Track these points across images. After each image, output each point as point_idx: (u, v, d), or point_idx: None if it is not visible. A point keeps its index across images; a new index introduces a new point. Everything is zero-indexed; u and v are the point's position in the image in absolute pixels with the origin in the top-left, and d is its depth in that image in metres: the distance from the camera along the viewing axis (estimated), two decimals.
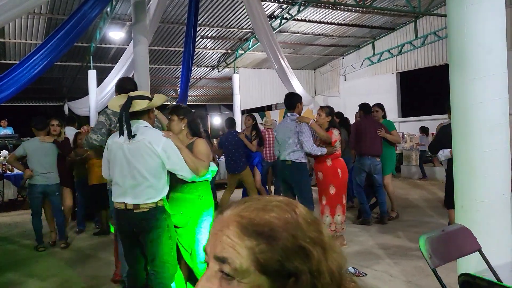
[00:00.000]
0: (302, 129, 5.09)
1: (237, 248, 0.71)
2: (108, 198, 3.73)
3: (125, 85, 3.98)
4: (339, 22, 13.43)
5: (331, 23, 13.45)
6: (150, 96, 3.32)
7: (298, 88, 11.41)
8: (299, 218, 0.75)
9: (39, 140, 5.82)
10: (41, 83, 13.80)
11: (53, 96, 18.23)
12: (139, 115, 3.24)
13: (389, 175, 6.89)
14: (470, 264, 2.59)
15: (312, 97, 15.15)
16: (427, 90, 15.28)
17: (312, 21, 13.13)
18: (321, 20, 13.15)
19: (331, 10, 12.43)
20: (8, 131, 12.20)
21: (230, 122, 7.79)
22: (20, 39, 11.50)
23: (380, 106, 7.04)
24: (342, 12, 12.65)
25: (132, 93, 3.32)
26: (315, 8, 12.15)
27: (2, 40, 11.43)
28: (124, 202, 3.14)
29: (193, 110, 3.56)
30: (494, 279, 2.18)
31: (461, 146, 2.94)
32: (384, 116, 7.03)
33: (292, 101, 5.36)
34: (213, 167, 3.42)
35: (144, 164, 3.11)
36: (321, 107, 5.71)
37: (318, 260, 0.72)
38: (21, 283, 4.64)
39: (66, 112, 17.21)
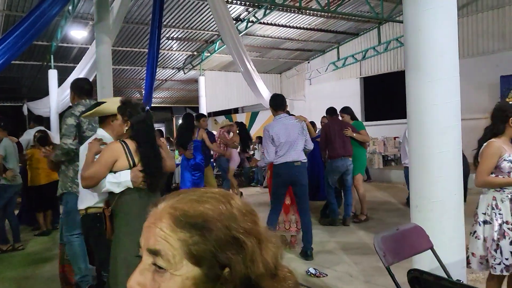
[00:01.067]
0: (304, 127, 5.10)
1: (170, 241, 0.71)
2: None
3: (83, 85, 3.98)
4: (304, 26, 13.60)
5: (296, 27, 13.59)
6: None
7: (264, 92, 11.47)
8: (233, 209, 0.75)
9: (9, 140, 5.78)
10: None
11: (12, 96, 17.58)
12: (100, 122, 3.22)
13: (359, 175, 6.94)
14: (424, 262, 2.65)
15: None
16: (389, 95, 15.62)
17: (278, 25, 13.23)
18: (287, 24, 13.27)
19: (296, 15, 12.56)
20: None
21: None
22: None
23: (345, 110, 7.15)
24: (308, 16, 12.81)
25: (101, 100, 3.29)
26: (281, 12, 12.26)
27: None
28: None
29: (146, 109, 3.00)
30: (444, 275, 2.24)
31: (416, 147, 3.01)
32: (354, 118, 7.14)
33: (284, 101, 5.28)
34: (116, 178, 2.77)
35: (80, 169, 3.11)
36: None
37: (252, 251, 0.73)
38: None
39: (25, 112, 16.64)
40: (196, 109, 17.45)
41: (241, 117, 16.74)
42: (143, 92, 15.19)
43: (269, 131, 4.99)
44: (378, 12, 11.63)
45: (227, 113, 18.15)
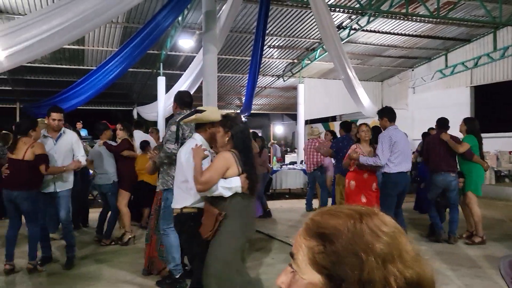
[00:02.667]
0: None
1: (302, 247, 0.80)
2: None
3: (185, 98, 4.43)
4: (410, 33, 13.01)
5: (401, 34, 13.06)
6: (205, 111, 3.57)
7: (365, 100, 11.16)
8: (363, 226, 0.77)
9: (97, 145, 6.49)
10: (114, 88, 14.47)
11: (124, 101, 19.08)
12: (196, 128, 3.63)
13: (469, 193, 6.33)
14: None
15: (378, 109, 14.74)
16: (506, 105, 14.33)
17: (382, 32, 12.82)
18: (391, 31, 12.80)
19: (402, 21, 12.06)
20: (83, 133, 12.83)
21: (346, 126, 8.33)
22: (98, 46, 12.18)
23: (467, 120, 6.81)
24: (414, 23, 12.24)
25: (199, 108, 3.64)
26: (386, 19, 11.86)
27: (82, 47, 12.16)
28: None
29: (243, 121, 3.46)
30: None
31: None
32: (471, 132, 6.54)
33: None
34: (228, 183, 3.10)
35: (175, 172, 3.63)
36: (366, 124, 5.92)
37: (370, 270, 0.73)
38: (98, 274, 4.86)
39: (135, 116, 17.97)
40: (293, 116, 17.52)
41: (339, 125, 16.48)
42: (243, 98, 15.61)
43: (392, 137, 5.49)
44: (495, 16, 10.74)
45: (325, 121, 17.97)
